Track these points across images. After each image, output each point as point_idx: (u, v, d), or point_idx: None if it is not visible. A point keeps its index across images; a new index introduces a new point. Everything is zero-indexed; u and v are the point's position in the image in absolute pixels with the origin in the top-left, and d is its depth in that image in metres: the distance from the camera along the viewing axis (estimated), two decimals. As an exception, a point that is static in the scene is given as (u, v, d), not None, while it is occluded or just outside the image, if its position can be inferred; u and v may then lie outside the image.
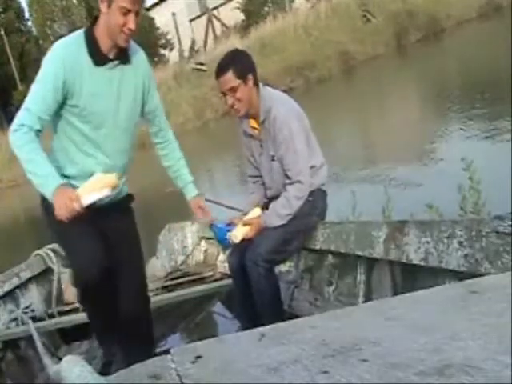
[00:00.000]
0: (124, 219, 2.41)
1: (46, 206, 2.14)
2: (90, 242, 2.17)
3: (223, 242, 3.52)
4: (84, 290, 2.37)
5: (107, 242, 2.24)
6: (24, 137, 2.04)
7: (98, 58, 2.11)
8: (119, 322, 2.40)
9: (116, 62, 2.15)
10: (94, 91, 2.11)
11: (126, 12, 2.01)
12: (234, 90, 2.51)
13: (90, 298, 2.35)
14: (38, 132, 2.07)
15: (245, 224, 2.65)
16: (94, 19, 2.14)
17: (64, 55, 2.07)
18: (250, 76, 2.54)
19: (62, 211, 1.99)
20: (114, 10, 2.02)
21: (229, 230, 2.70)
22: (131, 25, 2.03)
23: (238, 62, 2.55)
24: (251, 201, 2.84)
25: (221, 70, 2.53)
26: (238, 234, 2.63)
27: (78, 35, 2.13)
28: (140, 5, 2.08)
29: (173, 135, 2.50)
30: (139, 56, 2.27)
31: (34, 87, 2.09)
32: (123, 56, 2.16)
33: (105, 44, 2.11)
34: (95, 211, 2.09)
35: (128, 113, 2.23)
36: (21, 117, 2.06)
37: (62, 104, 2.10)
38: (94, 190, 2.08)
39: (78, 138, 2.17)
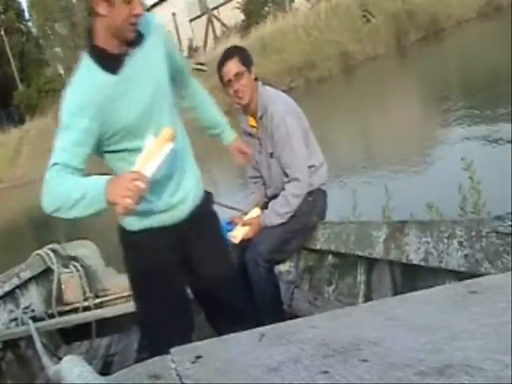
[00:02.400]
0: (208, 238, 2.04)
1: (126, 244, 1.93)
2: (168, 287, 1.95)
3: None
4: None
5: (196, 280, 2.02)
6: (50, 187, 1.70)
7: (112, 63, 1.82)
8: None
9: (132, 54, 1.84)
10: (126, 104, 1.83)
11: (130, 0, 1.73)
12: (239, 76, 2.53)
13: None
14: (72, 174, 1.72)
15: (244, 224, 2.65)
16: (88, 36, 1.86)
17: (79, 91, 1.79)
18: (252, 68, 2.57)
19: (125, 201, 1.57)
20: (117, 5, 1.73)
21: (229, 230, 2.70)
22: (138, 9, 1.75)
23: (242, 52, 2.61)
24: (251, 201, 2.85)
25: (226, 58, 2.56)
26: (237, 234, 2.63)
27: (84, 62, 1.84)
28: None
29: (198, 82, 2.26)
30: (148, 27, 1.91)
31: (57, 139, 1.77)
32: (136, 42, 1.85)
33: (113, 47, 1.82)
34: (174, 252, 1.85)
35: (163, 103, 1.93)
36: (46, 178, 1.72)
37: (103, 143, 1.82)
38: (153, 153, 1.73)
39: (131, 157, 1.80)
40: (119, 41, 1.81)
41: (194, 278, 2.08)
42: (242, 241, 2.62)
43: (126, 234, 1.95)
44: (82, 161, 1.74)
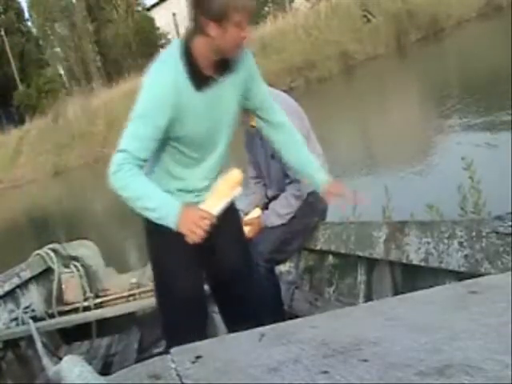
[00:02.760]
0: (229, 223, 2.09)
1: (150, 231, 1.99)
2: (188, 276, 2.03)
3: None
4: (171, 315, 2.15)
5: (212, 259, 2.08)
6: (127, 175, 1.79)
7: (200, 81, 1.83)
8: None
9: (220, 80, 1.87)
10: (195, 119, 1.87)
11: (242, 23, 1.74)
12: None
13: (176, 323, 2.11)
14: (140, 167, 1.83)
15: (245, 224, 2.65)
16: (186, 38, 1.83)
17: (165, 87, 1.80)
18: None
19: (194, 235, 1.75)
20: (229, 29, 1.73)
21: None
22: (247, 33, 1.76)
23: None
24: (252, 201, 2.85)
25: None
26: None
27: (172, 60, 1.83)
28: (253, 4, 1.79)
29: (285, 117, 2.13)
30: (244, 60, 1.92)
31: (130, 125, 1.83)
32: (228, 68, 1.88)
33: (207, 64, 1.83)
34: None
35: (229, 127, 1.98)
36: (118, 158, 1.80)
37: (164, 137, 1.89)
38: (223, 195, 1.89)
39: (180, 157, 1.94)
40: (215, 64, 1.83)
41: (212, 269, 2.14)
42: None
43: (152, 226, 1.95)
44: (150, 154, 1.84)
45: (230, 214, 2.06)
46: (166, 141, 1.90)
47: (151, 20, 30.87)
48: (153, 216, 1.82)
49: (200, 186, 1.98)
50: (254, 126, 2.68)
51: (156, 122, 1.80)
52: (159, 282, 2.16)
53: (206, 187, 1.98)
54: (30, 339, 3.06)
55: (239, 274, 2.14)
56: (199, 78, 1.83)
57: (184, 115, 1.83)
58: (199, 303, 2.10)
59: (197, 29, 1.78)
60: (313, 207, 2.65)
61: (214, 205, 1.85)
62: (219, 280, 2.16)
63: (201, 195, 1.97)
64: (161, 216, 1.81)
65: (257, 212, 2.68)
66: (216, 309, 3.66)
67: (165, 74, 1.81)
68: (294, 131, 2.14)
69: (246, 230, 2.64)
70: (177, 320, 2.09)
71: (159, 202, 1.81)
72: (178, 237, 1.79)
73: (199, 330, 2.05)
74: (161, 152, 1.94)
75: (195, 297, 2.07)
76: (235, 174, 1.92)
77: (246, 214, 2.73)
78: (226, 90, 1.89)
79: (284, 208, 2.58)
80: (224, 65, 1.85)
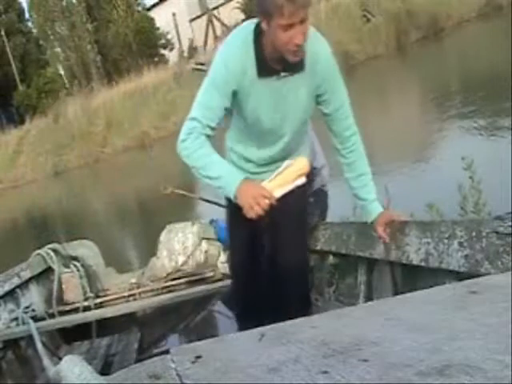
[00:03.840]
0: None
1: (226, 206, 2.17)
2: (245, 252, 2.27)
3: (223, 241, 3.53)
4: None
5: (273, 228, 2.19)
6: (193, 144, 1.87)
7: (264, 69, 1.87)
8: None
9: (283, 74, 1.89)
10: (256, 104, 1.92)
11: (288, 27, 1.72)
12: None
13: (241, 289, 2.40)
14: (208, 137, 1.90)
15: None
16: (258, 23, 1.87)
17: (235, 62, 1.87)
18: None
19: (252, 211, 1.79)
20: (274, 28, 1.74)
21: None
22: (298, 39, 1.74)
23: None
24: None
25: None
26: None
27: (246, 39, 1.89)
28: (304, 10, 1.72)
29: (359, 138, 2.07)
30: (319, 58, 1.91)
31: (201, 94, 1.91)
32: (294, 67, 1.88)
33: (272, 56, 1.86)
34: None
35: (297, 120, 2.01)
36: (188, 126, 1.89)
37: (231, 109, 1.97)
38: (287, 181, 1.90)
39: (247, 138, 2.05)
40: (279, 55, 1.83)
41: (270, 244, 2.28)
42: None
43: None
44: (219, 122, 1.92)
45: (296, 196, 2.04)
46: (236, 120, 2.00)
47: (151, 20, 30.84)
48: (215, 185, 1.88)
49: (264, 169, 2.06)
50: None
51: (224, 91, 1.87)
52: (229, 254, 2.53)
53: (271, 170, 2.01)
54: (30, 339, 3.06)
55: (292, 258, 2.22)
56: (264, 67, 1.86)
57: (245, 97, 1.90)
58: (254, 276, 2.29)
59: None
60: (313, 207, 2.65)
61: (276, 187, 1.87)
62: (275, 256, 2.26)
63: (264, 177, 2.00)
64: (222, 185, 1.86)
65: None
66: (216, 309, 3.66)
67: (236, 50, 1.88)
68: (358, 156, 2.07)
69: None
70: (239, 289, 2.40)
71: (222, 172, 1.87)
72: (242, 212, 1.86)
73: (256, 300, 2.27)
74: (232, 131, 2.07)
75: (251, 269, 2.28)
76: (303, 163, 1.94)
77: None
78: (297, 87, 1.91)
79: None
80: (286, 62, 1.84)
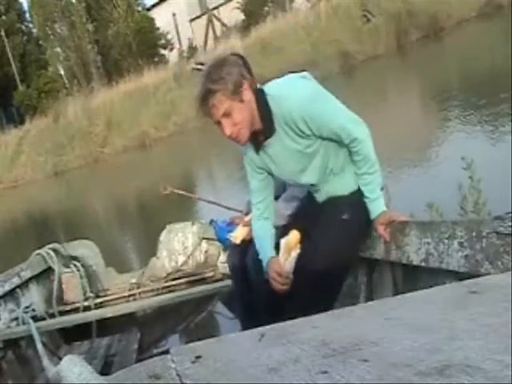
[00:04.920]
0: None
1: None
2: None
3: (223, 241, 3.53)
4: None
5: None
6: (255, 226, 2.37)
7: (255, 145, 2.16)
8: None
9: (265, 143, 2.12)
10: (268, 169, 2.22)
11: (218, 123, 2.00)
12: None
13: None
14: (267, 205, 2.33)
15: (245, 225, 2.64)
16: None
17: (245, 148, 2.21)
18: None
19: (273, 283, 2.17)
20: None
21: (229, 231, 2.70)
22: (226, 132, 2.00)
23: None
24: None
25: None
26: (238, 234, 2.63)
27: None
28: (220, 107, 1.95)
29: (361, 142, 2.16)
30: (291, 108, 2.02)
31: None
32: (266, 133, 2.08)
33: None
34: None
35: (306, 165, 2.13)
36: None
37: None
38: (286, 256, 2.21)
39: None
40: (252, 136, 2.08)
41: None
42: (243, 241, 2.61)
43: None
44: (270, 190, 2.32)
45: (332, 212, 2.17)
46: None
47: (151, 20, 30.82)
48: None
49: (314, 189, 2.26)
50: None
51: (251, 167, 2.28)
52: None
53: (316, 190, 2.25)
54: (30, 339, 3.06)
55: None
56: (254, 144, 2.14)
57: (262, 166, 2.22)
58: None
59: None
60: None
61: (284, 261, 2.19)
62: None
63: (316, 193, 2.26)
64: (260, 254, 2.28)
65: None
66: (216, 309, 3.67)
67: None
68: (360, 157, 2.16)
69: (247, 230, 2.64)
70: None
71: (263, 247, 2.28)
72: None
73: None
74: None
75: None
76: (293, 236, 2.21)
77: (247, 214, 2.73)
78: (282, 144, 2.10)
79: (286, 209, 2.57)
80: (259, 133, 2.08)
